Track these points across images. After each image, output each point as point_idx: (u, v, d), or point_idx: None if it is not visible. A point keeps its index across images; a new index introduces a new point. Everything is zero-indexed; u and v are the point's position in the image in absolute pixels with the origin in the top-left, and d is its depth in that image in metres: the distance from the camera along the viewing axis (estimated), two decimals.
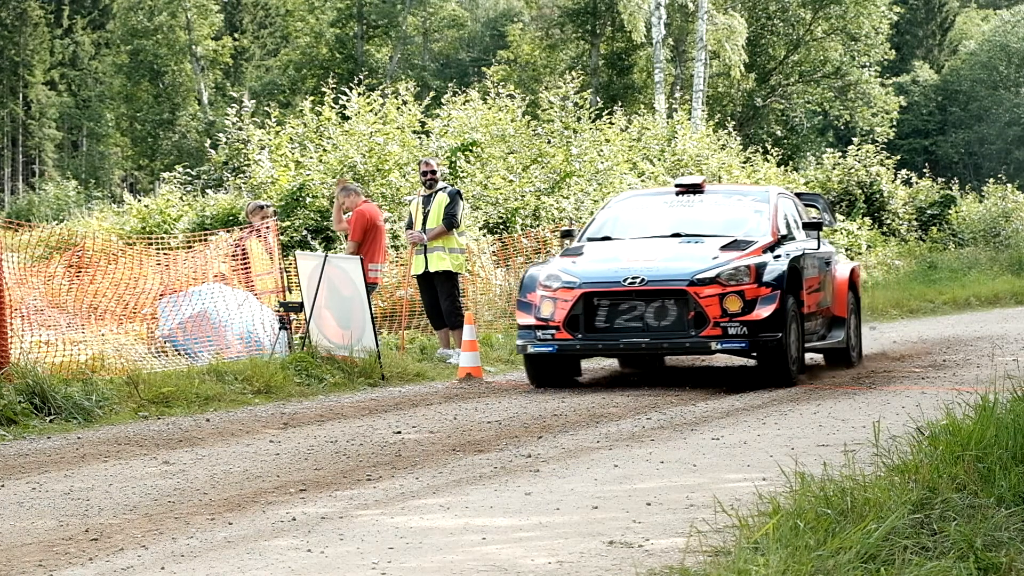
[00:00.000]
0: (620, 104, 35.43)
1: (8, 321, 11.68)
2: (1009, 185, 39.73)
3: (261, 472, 8.35)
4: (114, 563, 5.95)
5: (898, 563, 5.09)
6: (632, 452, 8.86)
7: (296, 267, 15.21)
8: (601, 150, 28.24)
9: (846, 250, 34.23)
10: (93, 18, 70.88)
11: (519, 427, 10.37)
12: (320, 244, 22.58)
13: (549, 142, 27.62)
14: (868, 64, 51.17)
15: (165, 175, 30.93)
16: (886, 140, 46.30)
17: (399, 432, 10.17)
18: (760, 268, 12.74)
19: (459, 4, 66.68)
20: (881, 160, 38.08)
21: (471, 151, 25.79)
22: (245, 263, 15.84)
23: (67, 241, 15.43)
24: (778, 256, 13.11)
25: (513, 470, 8.23)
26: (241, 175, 26.47)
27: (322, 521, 6.75)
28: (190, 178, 30.16)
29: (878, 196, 37.34)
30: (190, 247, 16.58)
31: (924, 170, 41.28)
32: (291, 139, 25.79)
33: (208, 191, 27.58)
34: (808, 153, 52.77)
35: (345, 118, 25.86)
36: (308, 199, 23.83)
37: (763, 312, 12.55)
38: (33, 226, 15.07)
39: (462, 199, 15.91)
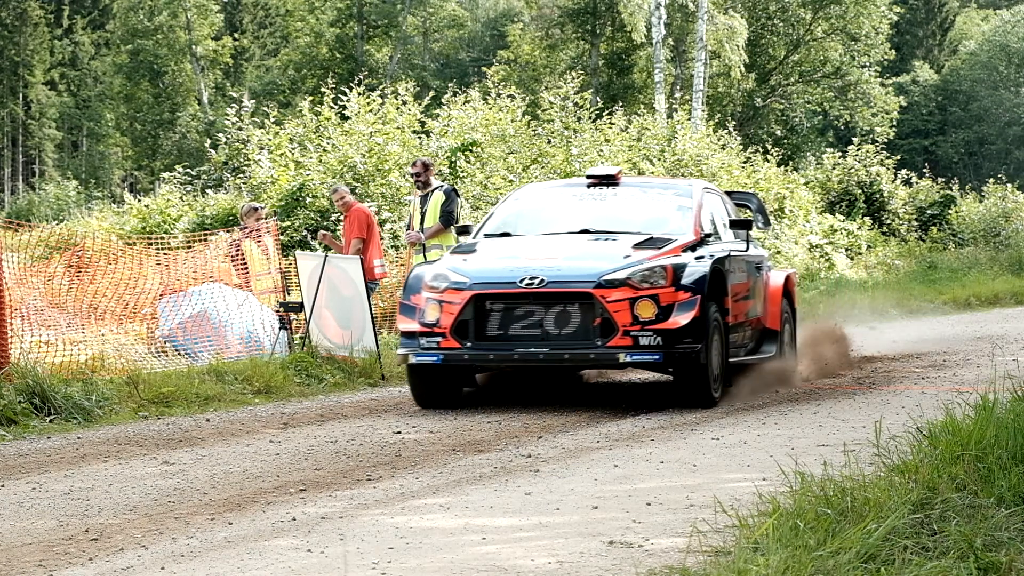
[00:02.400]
0: (620, 104, 35.44)
1: (8, 321, 11.68)
2: (1009, 185, 39.75)
3: (261, 472, 8.35)
4: (114, 563, 5.95)
5: (898, 563, 5.09)
6: (632, 452, 8.86)
7: (296, 267, 15.21)
8: (601, 150, 28.24)
9: (846, 250, 34.24)
10: (93, 18, 70.88)
11: (519, 427, 10.37)
12: (319, 244, 22.59)
13: (549, 142, 27.62)
14: (868, 64, 51.16)
15: (165, 175, 30.94)
16: (886, 140, 46.30)
17: (399, 432, 10.17)
18: (678, 270, 11.20)
19: (459, 4, 66.66)
20: (881, 160, 38.10)
21: (471, 151, 25.79)
22: (243, 264, 15.84)
23: (67, 241, 15.42)
24: (700, 257, 11.59)
25: (513, 470, 8.23)
26: (241, 175, 26.47)
27: (322, 521, 6.75)
28: (190, 178, 30.17)
29: (878, 196, 37.35)
30: (190, 247, 16.58)
31: (924, 170, 41.29)
32: (291, 139, 25.79)
33: (208, 191, 27.60)
34: (808, 153, 52.77)
35: (345, 118, 25.87)
36: (308, 199, 23.83)
37: (681, 320, 10.99)
38: (33, 226, 15.06)
39: (459, 196, 15.92)
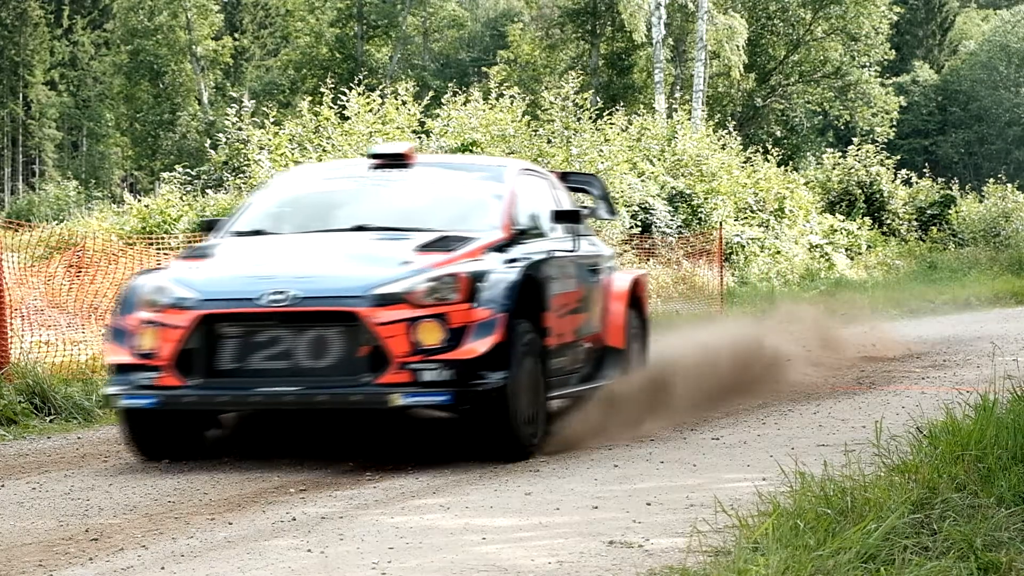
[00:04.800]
0: (620, 104, 35.45)
1: (8, 321, 11.69)
2: (1009, 185, 39.77)
3: (261, 472, 8.34)
4: (114, 563, 5.95)
5: (898, 563, 5.09)
6: (632, 452, 8.86)
7: None
8: (601, 150, 28.24)
9: (846, 250, 34.22)
10: (93, 18, 70.89)
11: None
12: None
13: (549, 142, 27.62)
14: (868, 64, 51.18)
15: (165, 175, 30.93)
16: (886, 140, 46.34)
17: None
18: (476, 279, 8.55)
19: (459, 4, 66.68)
20: (881, 160, 38.11)
21: (471, 151, 25.80)
22: None
23: (67, 241, 15.42)
24: (511, 260, 9.02)
25: (513, 470, 8.23)
26: (241, 175, 26.47)
27: (322, 521, 6.75)
28: (190, 178, 30.16)
29: (878, 196, 37.37)
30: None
31: (924, 170, 41.31)
32: (290, 139, 25.80)
33: (208, 191, 27.59)
34: (808, 153, 52.81)
35: (344, 118, 25.87)
36: None
37: (478, 346, 8.38)
38: (33, 226, 15.06)
39: None
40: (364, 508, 7.06)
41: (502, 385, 8.46)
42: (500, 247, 9.19)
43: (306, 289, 8.49)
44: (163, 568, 5.82)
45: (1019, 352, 15.77)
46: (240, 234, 9.65)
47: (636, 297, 11.08)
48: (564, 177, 11.40)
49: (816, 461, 7.30)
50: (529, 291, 8.92)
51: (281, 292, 8.46)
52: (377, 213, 9.67)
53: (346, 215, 9.69)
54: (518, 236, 9.51)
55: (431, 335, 8.35)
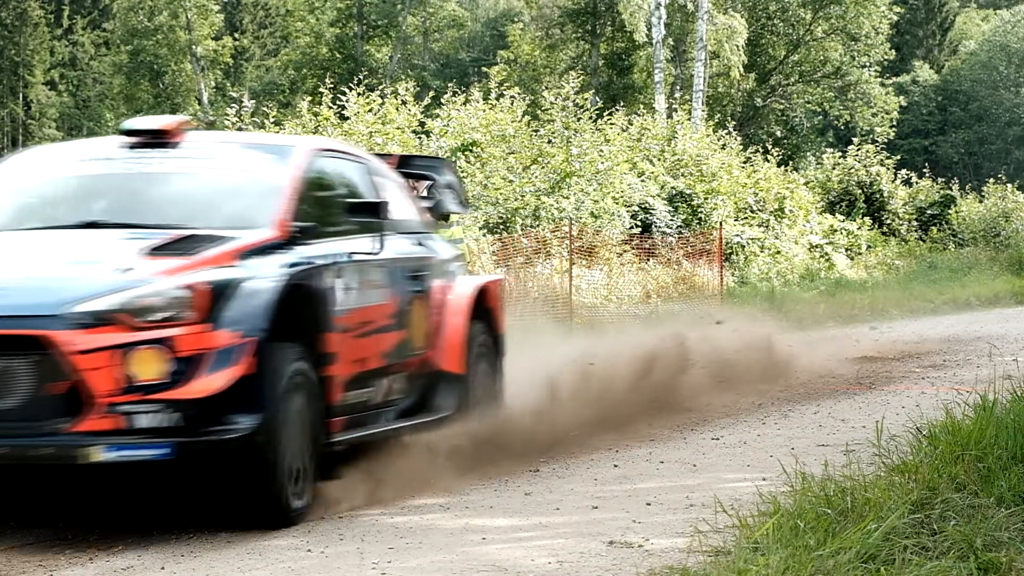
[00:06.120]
0: (620, 104, 35.45)
1: None
2: (1009, 185, 39.78)
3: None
4: (114, 563, 5.95)
5: (898, 563, 5.09)
6: (632, 452, 8.86)
7: None
8: (601, 150, 28.23)
9: (846, 250, 34.20)
10: (93, 18, 70.91)
11: None
12: None
13: (549, 142, 27.62)
14: (868, 64, 51.17)
15: None
16: (886, 140, 46.30)
17: None
18: (218, 292, 6.61)
19: (459, 4, 66.68)
20: (881, 160, 38.11)
21: (471, 151, 25.80)
22: None
23: None
24: (286, 266, 7.03)
25: (513, 470, 8.22)
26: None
27: (322, 521, 6.75)
28: None
29: (878, 196, 37.36)
30: None
31: (924, 170, 41.30)
32: None
33: None
34: (808, 153, 52.77)
35: (344, 118, 25.87)
36: None
37: (214, 381, 6.47)
38: None
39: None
40: (364, 508, 7.05)
41: (249, 432, 6.47)
42: (266, 249, 7.07)
43: None
44: (163, 568, 5.82)
45: (1019, 352, 15.77)
46: None
47: (485, 309, 8.99)
48: (404, 161, 9.56)
49: (816, 461, 7.30)
50: (299, 307, 6.98)
51: None
52: (119, 205, 7.55)
53: (79, 208, 7.60)
54: (298, 236, 7.27)
55: (150, 367, 6.39)
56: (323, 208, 7.78)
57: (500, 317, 9.24)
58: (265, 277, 6.83)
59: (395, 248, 8.15)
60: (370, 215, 7.80)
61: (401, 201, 8.65)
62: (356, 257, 7.71)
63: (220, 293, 6.60)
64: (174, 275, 6.58)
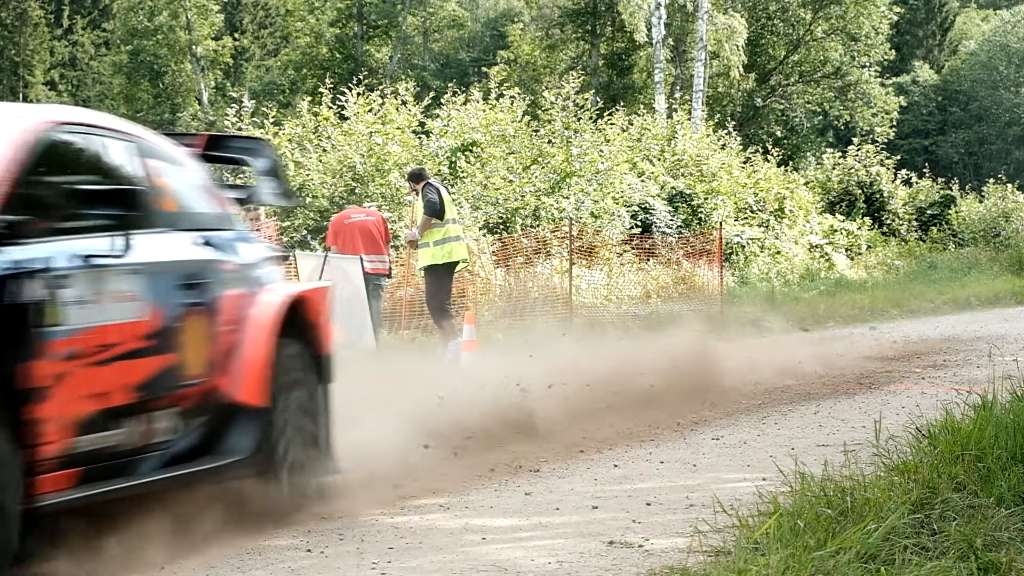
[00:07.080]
0: (620, 104, 35.45)
1: None
2: (1009, 185, 39.78)
3: None
4: (114, 563, 5.94)
5: (898, 563, 5.09)
6: (632, 452, 8.86)
7: (296, 267, 15.21)
8: (601, 150, 28.24)
9: (846, 250, 34.19)
10: (93, 18, 70.94)
11: None
12: (319, 243, 22.60)
13: (549, 142, 27.62)
14: (868, 64, 51.18)
15: None
16: (886, 140, 46.32)
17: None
18: None
19: (459, 4, 66.69)
20: (881, 160, 38.12)
21: (471, 151, 25.80)
22: None
23: None
24: None
25: (513, 470, 8.23)
26: (241, 175, 26.46)
27: (322, 521, 6.75)
28: None
29: (878, 196, 37.37)
30: None
31: (924, 170, 41.31)
32: (290, 139, 25.80)
33: None
34: (808, 153, 52.77)
35: (343, 118, 25.88)
36: (308, 199, 23.82)
37: None
38: None
39: (438, 187, 16.06)
40: (364, 508, 7.06)
41: None
42: None
43: None
44: (163, 568, 5.82)
45: (1019, 352, 15.78)
46: None
47: (303, 324, 7.16)
48: (213, 143, 7.88)
49: (816, 461, 7.30)
50: None
51: None
52: None
53: None
54: (6, 232, 5.50)
55: None
56: (53, 197, 5.94)
57: (324, 334, 7.28)
58: None
59: (158, 249, 6.38)
60: (116, 207, 5.96)
61: (190, 191, 6.98)
62: (95, 261, 5.92)
63: None
64: None
